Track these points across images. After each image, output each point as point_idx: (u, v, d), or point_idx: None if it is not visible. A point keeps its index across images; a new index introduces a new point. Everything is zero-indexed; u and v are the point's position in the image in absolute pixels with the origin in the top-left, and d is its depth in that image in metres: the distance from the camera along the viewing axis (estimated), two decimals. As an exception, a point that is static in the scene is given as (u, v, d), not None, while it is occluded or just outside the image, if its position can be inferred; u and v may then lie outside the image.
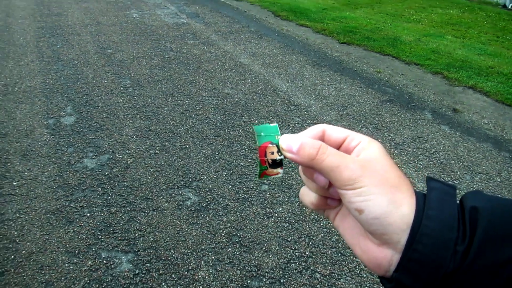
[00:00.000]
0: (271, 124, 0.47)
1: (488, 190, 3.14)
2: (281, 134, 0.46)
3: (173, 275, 2.32)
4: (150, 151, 3.44)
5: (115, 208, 2.79)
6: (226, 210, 2.83)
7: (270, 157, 0.46)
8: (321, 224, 2.74)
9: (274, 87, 4.81)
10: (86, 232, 2.58)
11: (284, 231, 2.67)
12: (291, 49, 6.21)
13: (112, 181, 3.06)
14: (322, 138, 0.46)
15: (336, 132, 0.46)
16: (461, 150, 3.69)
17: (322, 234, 2.66)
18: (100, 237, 2.55)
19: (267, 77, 5.10)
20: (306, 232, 2.68)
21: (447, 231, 0.37)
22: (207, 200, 2.92)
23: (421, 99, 4.70)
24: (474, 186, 3.19)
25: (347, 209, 0.42)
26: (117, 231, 2.60)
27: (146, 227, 2.65)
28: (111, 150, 3.43)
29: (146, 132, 3.72)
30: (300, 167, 0.46)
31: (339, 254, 2.51)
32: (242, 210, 2.84)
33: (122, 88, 4.60)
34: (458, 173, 3.36)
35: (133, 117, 3.98)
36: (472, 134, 3.98)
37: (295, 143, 0.43)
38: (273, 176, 0.47)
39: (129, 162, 3.29)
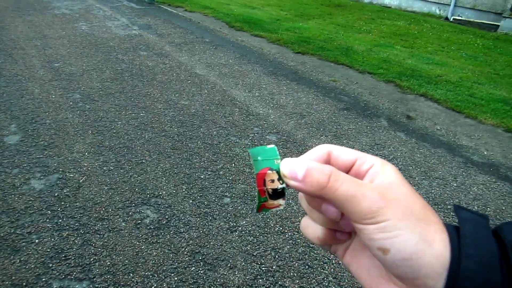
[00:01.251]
0: (268, 146, 0.39)
1: (446, 195, 3.20)
2: (281, 157, 0.38)
3: (133, 301, 2.17)
4: (104, 168, 3.26)
5: (67, 232, 2.59)
6: (188, 227, 2.70)
7: (270, 185, 0.38)
8: (287, 236, 2.68)
9: (231, 97, 4.74)
10: (35, 261, 2.37)
11: (249, 245, 2.58)
12: (246, 59, 6.18)
13: (62, 203, 2.85)
14: (328, 161, 0.39)
15: (344, 153, 0.39)
16: (417, 156, 3.76)
17: (288, 247, 2.59)
18: (50, 265, 2.34)
19: (224, 87, 5.02)
20: (272, 245, 2.60)
21: (489, 272, 0.31)
22: (167, 217, 2.78)
23: (376, 107, 4.78)
24: (433, 191, 3.24)
25: (368, 247, 0.35)
26: (69, 257, 2.41)
27: (102, 250, 2.47)
28: (61, 169, 3.22)
29: (99, 148, 3.53)
30: (301, 194, 0.38)
31: (307, 267, 2.45)
32: (205, 226, 2.72)
33: (71, 103, 4.36)
34: (416, 178, 3.41)
35: (84, 133, 3.76)
36: (426, 140, 4.08)
37: (300, 169, 0.35)
38: (274, 208, 0.38)
39: (81, 181, 3.09)
